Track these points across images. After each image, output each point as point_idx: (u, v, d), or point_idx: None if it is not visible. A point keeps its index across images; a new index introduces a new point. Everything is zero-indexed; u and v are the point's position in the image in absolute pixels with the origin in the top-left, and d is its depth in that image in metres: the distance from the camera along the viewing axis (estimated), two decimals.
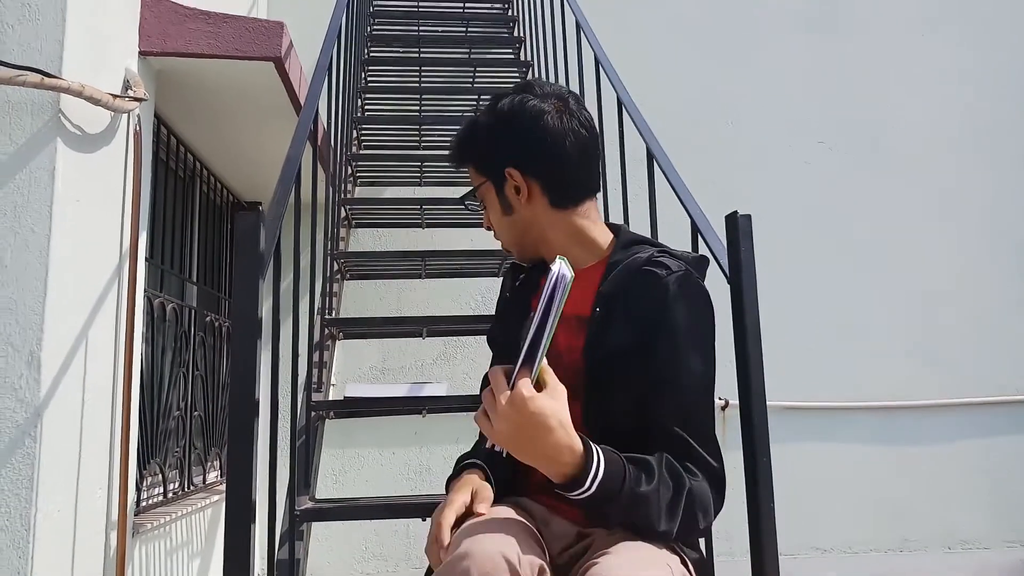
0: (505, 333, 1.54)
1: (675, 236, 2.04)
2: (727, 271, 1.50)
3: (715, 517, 1.31)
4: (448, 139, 3.84)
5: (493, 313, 1.69)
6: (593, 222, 1.52)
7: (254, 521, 1.32)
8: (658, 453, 1.29)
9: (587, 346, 1.40)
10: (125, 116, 2.55)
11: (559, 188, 1.48)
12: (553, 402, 1.18)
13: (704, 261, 1.47)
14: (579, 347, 1.41)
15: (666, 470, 1.27)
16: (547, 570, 1.19)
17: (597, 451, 1.22)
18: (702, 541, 1.49)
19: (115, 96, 2.40)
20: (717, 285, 1.61)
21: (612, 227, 1.56)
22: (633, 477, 1.23)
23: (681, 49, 5.06)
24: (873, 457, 4.72)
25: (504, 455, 1.25)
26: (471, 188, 1.55)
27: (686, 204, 1.78)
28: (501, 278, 1.70)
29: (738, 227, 1.44)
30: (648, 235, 2.05)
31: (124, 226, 2.56)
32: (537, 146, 1.46)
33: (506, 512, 1.31)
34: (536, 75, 3.91)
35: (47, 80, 2.12)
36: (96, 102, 2.27)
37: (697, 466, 1.31)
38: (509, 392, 1.16)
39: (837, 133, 5.06)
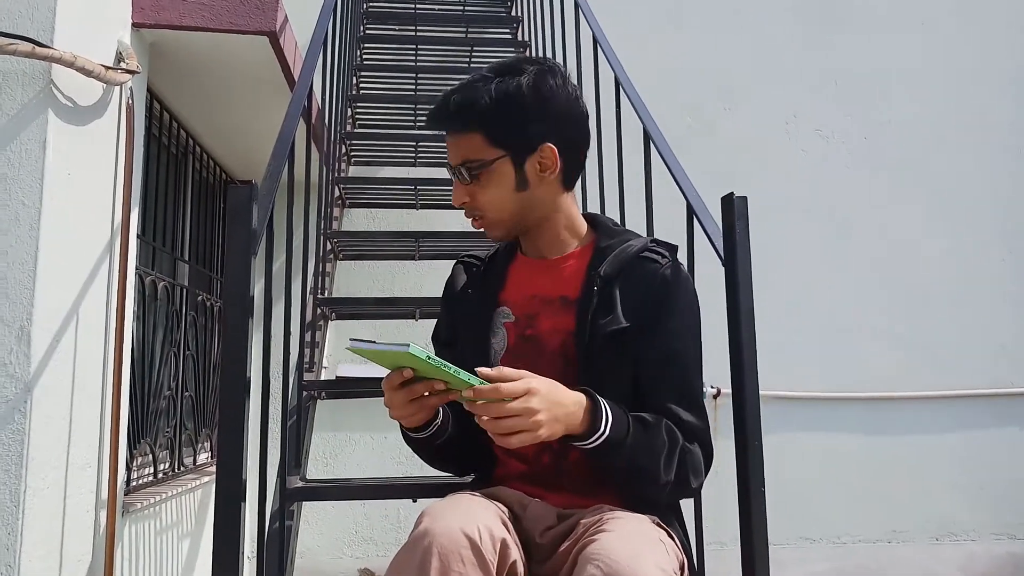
0: (473, 328, 1.52)
1: (671, 218, 2.04)
2: (722, 253, 1.49)
3: (702, 484, 1.40)
4: None
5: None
6: (578, 208, 1.57)
7: (244, 500, 1.31)
8: (654, 415, 1.36)
9: (580, 325, 1.43)
10: (117, 89, 2.51)
11: (575, 170, 1.53)
12: (529, 377, 1.23)
13: (677, 249, 1.52)
14: (567, 328, 1.44)
15: (664, 430, 1.34)
16: (511, 544, 1.22)
17: (599, 399, 1.29)
18: (693, 531, 1.56)
19: (107, 68, 2.36)
20: (712, 268, 1.60)
21: (586, 216, 1.60)
22: (636, 424, 1.31)
23: (679, 34, 5.02)
24: (862, 448, 4.73)
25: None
26: (476, 159, 1.45)
27: (682, 185, 1.76)
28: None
29: (734, 209, 1.43)
30: (645, 215, 2.06)
31: (116, 201, 2.53)
32: (575, 127, 1.50)
33: (468, 495, 1.34)
34: (533, 54, 3.88)
35: (38, 50, 2.09)
36: (88, 73, 2.24)
37: (689, 437, 1.38)
38: (524, 390, 1.20)
39: (834, 123, 5.05)
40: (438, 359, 1.19)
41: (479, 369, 1.21)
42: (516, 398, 1.19)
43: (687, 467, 1.35)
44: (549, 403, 1.22)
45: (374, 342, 1.21)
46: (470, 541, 1.16)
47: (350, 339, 1.24)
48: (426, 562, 1.15)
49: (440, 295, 1.66)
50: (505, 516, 1.31)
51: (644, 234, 1.89)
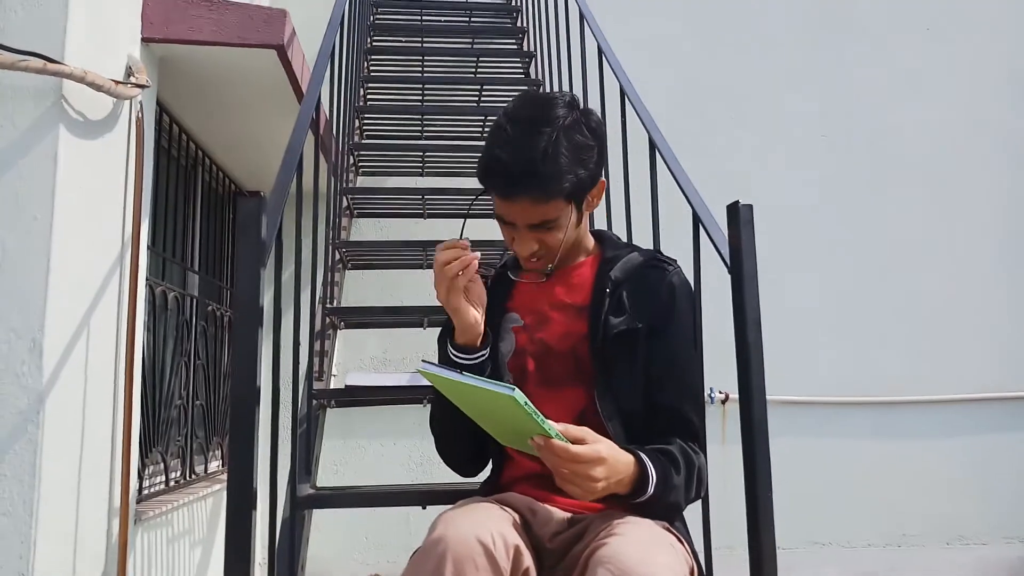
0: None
1: (676, 226, 2.05)
2: (728, 260, 1.50)
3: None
4: (451, 129, 3.84)
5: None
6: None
7: (255, 508, 1.32)
8: (672, 438, 1.43)
9: (593, 327, 1.48)
10: (127, 103, 2.54)
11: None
12: (600, 443, 1.26)
13: (677, 262, 1.59)
14: (579, 332, 1.49)
15: (682, 456, 1.40)
16: (524, 550, 1.23)
17: (645, 459, 1.33)
18: (700, 535, 1.59)
19: (117, 82, 2.39)
20: (718, 275, 1.61)
21: (593, 232, 1.65)
22: (671, 472, 1.36)
23: (685, 41, 5.04)
24: (872, 452, 4.72)
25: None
26: (554, 218, 1.45)
27: (687, 193, 1.77)
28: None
29: (739, 216, 1.44)
30: (650, 222, 2.08)
31: (126, 213, 2.56)
32: (606, 153, 1.57)
33: (481, 502, 1.36)
34: (539, 65, 3.90)
35: (49, 66, 2.11)
36: (98, 88, 2.27)
37: (699, 444, 1.46)
38: (595, 458, 1.23)
39: (839, 128, 5.05)
40: (532, 407, 1.20)
41: (566, 429, 1.24)
42: (585, 462, 1.22)
43: (701, 482, 1.44)
44: (610, 471, 1.25)
45: (461, 372, 1.25)
46: (484, 547, 1.17)
47: (422, 360, 1.28)
48: (440, 568, 1.16)
49: None
50: (517, 522, 1.32)
51: (651, 244, 1.94)
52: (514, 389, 1.17)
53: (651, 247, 2.04)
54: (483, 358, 1.49)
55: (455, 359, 1.49)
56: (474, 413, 1.34)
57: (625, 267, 1.52)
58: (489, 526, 1.21)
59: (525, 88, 3.93)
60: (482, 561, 1.17)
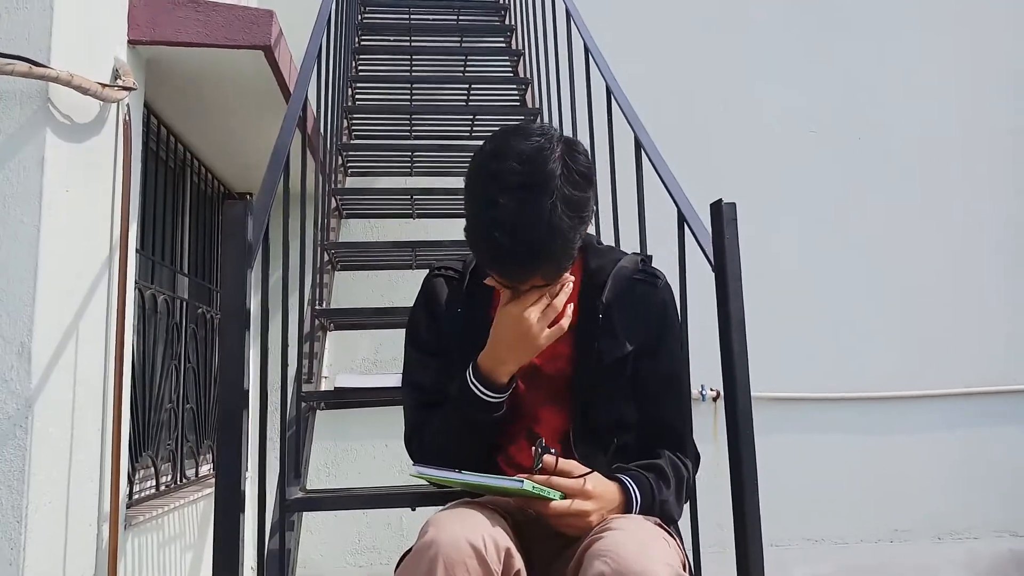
0: (465, 346, 1.48)
1: (661, 224, 2.06)
2: (712, 259, 1.51)
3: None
4: (440, 129, 3.84)
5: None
6: None
7: (243, 511, 1.32)
8: (661, 451, 1.46)
9: (582, 351, 1.47)
10: (114, 106, 2.53)
11: None
12: (588, 479, 1.33)
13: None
14: (566, 354, 1.48)
15: (671, 469, 1.43)
16: (514, 553, 1.23)
17: (629, 483, 1.38)
18: (689, 533, 1.61)
19: (104, 85, 2.39)
20: (702, 273, 1.62)
21: None
22: (657, 489, 1.40)
23: (673, 37, 5.04)
24: (863, 448, 4.73)
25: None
26: (561, 273, 1.40)
27: (672, 192, 1.78)
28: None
29: (723, 215, 1.44)
30: (637, 222, 2.08)
31: (114, 216, 2.55)
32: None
33: (471, 505, 1.36)
34: (527, 63, 3.90)
35: (35, 69, 2.11)
36: (85, 91, 2.26)
37: (687, 454, 1.49)
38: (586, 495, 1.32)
39: (828, 124, 5.06)
40: (541, 487, 1.28)
41: (561, 484, 1.30)
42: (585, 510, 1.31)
43: (689, 488, 1.49)
44: (599, 504, 1.33)
45: (459, 471, 1.32)
46: (475, 551, 1.17)
47: (415, 466, 1.35)
48: (432, 572, 1.16)
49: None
50: (507, 524, 1.32)
51: (637, 242, 1.92)
52: (523, 481, 1.25)
53: (637, 246, 2.05)
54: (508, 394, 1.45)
55: (487, 398, 1.41)
56: (464, 489, 1.39)
57: (615, 285, 1.49)
58: (480, 529, 1.21)
59: (509, 123, 3.92)
60: (473, 564, 1.16)
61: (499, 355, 1.40)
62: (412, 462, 1.49)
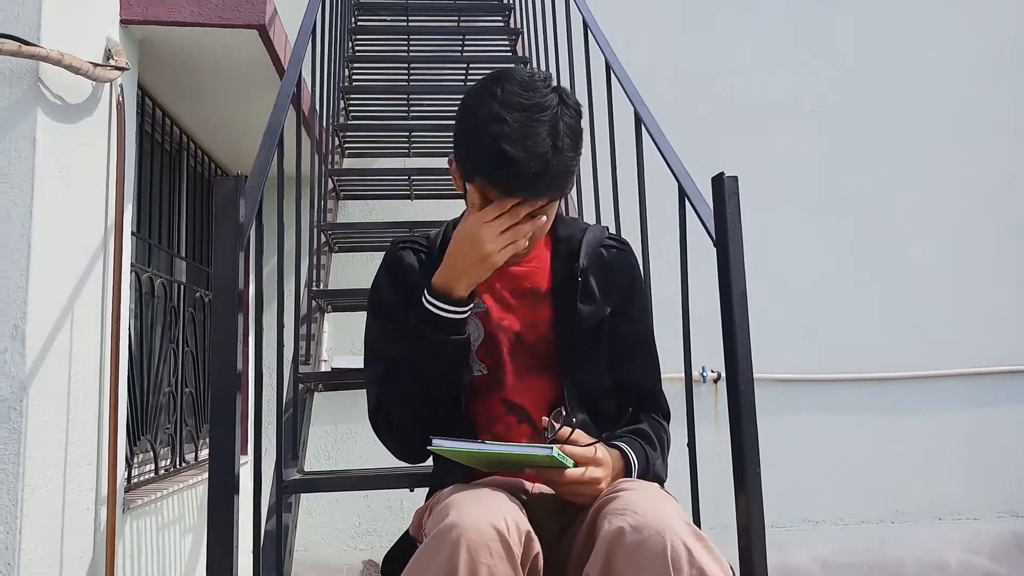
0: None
1: (662, 199, 2.04)
2: (713, 234, 1.48)
3: None
4: (437, 109, 3.80)
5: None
6: None
7: (237, 492, 1.30)
8: (644, 415, 1.50)
9: (562, 315, 1.49)
10: (107, 86, 2.50)
11: None
12: (597, 448, 1.34)
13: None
14: (545, 320, 1.50)
15: (654, 432, 1.47)
16: (533, 536, 1.22)
17: (627, 450, 1.40)
18: (689, 513, 1.57)
19: (96, 65, 2.35)
20: (704, 248, 1.60)
21: None
22: (649, 454, 1.43)
23: (673, 16, 5.00)
24: (864, 429, 4.73)
25: None
26: (540, 213, 1.39)
27: (672, 167, 1.75)
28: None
29: (724, 188, 1.41)
30: (637, 198, 2.06)
31: (109, 198, 2.53)
32: None
33: (487, 485, 1.35)
34: (525, 42, 3.86)
35: (25, 48, 2.07)
36: (76, 71, 2.23)
37: (662, 415, 1.54)
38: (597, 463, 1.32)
39: (829, 102, 5.03)
40: (562, 454, 1.26)
41: (575, 453, 1.30)
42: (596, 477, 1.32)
43: (668, 450, 1.53)
44: (607, 471, 1.34)
45: (481, 440, 1.31)
46: (498, 534, 1.15)
47: (433, 439, 1.28)
48: (455, 555, 1.13)
49: None
50: (522, 506, 1.30)
51: (637, 218, 1.92)
52: (552, 448, 1.23)
53: (638, 221, 2.05)
54: (474, 309, 1.41)
55: (447, 315, 1.37)
56: (477, 463, 1.37)
57: (588, 251, 1.52)
58: (502, 511, 1.18)
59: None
60: (496, 547, 1.14)
61: (455, 269, 1.37)
62: (378, 438, 1.55)
